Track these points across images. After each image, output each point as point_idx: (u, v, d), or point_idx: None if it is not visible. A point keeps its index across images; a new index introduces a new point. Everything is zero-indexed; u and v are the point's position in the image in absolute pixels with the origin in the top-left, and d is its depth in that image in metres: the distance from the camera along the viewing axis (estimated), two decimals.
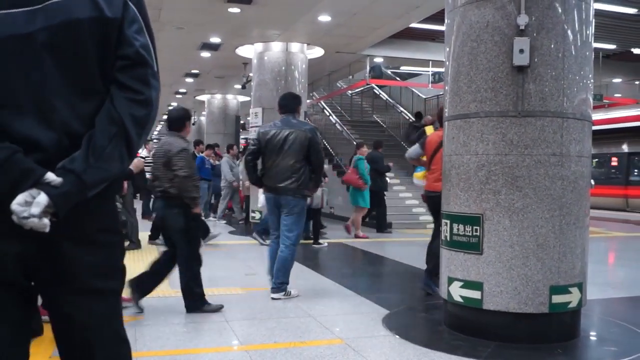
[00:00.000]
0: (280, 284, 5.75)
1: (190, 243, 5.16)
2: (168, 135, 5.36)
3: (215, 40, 12.13)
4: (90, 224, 1.65)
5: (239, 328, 4.74)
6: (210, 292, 5.91)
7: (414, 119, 13.66)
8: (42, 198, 1.45)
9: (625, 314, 5.68)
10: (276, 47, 11.87)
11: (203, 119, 23.11)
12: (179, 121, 5.33)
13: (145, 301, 5.47)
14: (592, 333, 4.88)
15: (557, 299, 4.31)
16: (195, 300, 5.21)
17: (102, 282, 1.68)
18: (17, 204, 1.44)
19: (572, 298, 4.38)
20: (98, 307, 1.68)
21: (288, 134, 5.74)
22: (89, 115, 1.59)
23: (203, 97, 20.33)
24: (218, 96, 19.97)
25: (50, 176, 1.48)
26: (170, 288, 6.16)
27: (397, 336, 4.56)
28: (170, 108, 5.77)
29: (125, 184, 8.56)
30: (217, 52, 13.14)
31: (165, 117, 17.77)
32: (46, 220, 1.46)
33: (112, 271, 1.73)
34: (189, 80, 17.15)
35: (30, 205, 1.44)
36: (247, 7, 9.58)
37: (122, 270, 1.79)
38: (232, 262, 8.15)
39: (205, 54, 13.47)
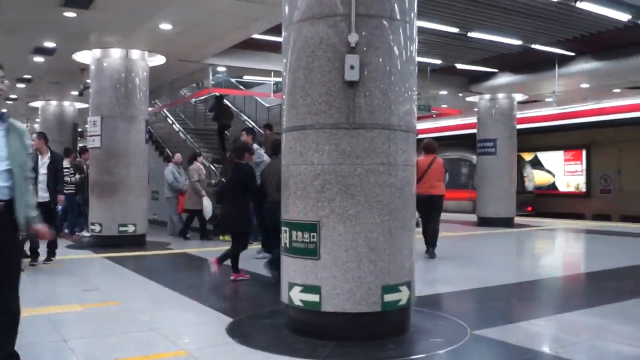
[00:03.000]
0: None
1: None
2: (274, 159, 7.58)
3: (49, 44, 11.57)
4: None
5: (77, 347, 4.59)
6: (46, 312, 5.67)
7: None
8: None
9: (450, 308, 6.18)
10: (116, 53, 11.54)
11: (37, 126, 21.87)
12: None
13: None
14: (421, 327, 5.23)
15: (389, 297, 4.64)
16: None
17: None
18: None
19: (402, 296, 4.73)
20: None
21: None
22: None
23: (37, 104, 19.25)
24: (53, 103, 18.98)
25: None
26: None
27: (241, 344, 4.65)
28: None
29: (62, 197, 8.90)
30: (51, 57, 12.52)
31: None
32: None
33: None
34: (21, 85, 16.14)
35: None
36: (85, 12, 9.26)
37: None
38: (70, 278, 7.83)
39: (39, 59, 12.79)
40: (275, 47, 12.58)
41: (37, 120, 20.78)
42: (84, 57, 12.17)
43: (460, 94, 18.01)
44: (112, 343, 4.68)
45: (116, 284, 7.23)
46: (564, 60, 14.23)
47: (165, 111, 18.72)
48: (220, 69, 15.20)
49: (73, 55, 12.27)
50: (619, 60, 13.48)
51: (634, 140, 23.13)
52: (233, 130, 16.63)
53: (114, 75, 11.47)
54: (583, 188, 25.23)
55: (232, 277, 7.51)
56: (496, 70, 15.84)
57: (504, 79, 15.90)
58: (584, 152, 25.08)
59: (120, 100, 11.41)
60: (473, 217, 17.73)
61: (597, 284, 7.59)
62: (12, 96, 18.21)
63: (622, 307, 6.08)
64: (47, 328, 5.15)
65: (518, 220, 17.26)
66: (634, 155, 23.31)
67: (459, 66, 15.22)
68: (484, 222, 16.50)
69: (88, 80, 12.50)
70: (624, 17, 10.55)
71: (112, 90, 11.42)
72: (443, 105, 20.20)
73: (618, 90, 18.19)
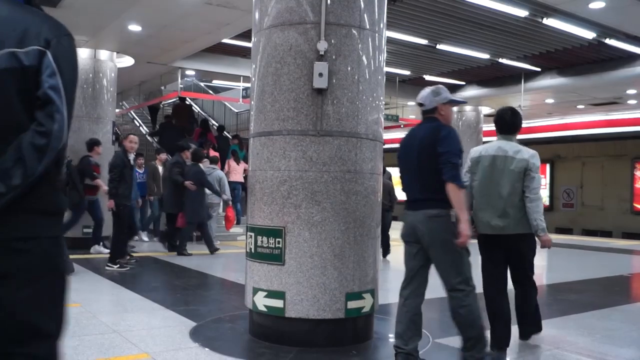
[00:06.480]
0: None
1: None
2: None
3: None
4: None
5: None
6: None
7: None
8: None
9: None
10: (83, 53, 11.42)
11: None
12: None
13: None
14: (384, 334, 5.27)
15: (352, 304, 4.66)
16: None
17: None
18: None
19: (365, 303, 4.76)
20: None
21: None
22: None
23: None
24: None
25: None
26: None
27: (204, 348, 4.64)
28: None
29: None
30: None
31: None
32: None
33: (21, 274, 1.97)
34: None
35: None
36: (52, 11, 9.15)
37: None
38: None
39: None
40: (244, 52, 12.60)
41: None
42: None
43: None
44: (73, 345, 4.62)
45: (78, 285, 7.13)
46: (530, 75, 14.50)
47: (133, 113, 18.57)
48: (189, 72, 15.16)
49: None
50: (584, 77, 13.77)
51: (596, 156, 23.64)
52: None
53: (81, 75, 11.34)
54: (546, 202, 25.65)
55: None
56: (464, 83, 16.06)
57: (471, 91, 16.12)
58: (547, 167, 25.53)
59: (87, 100, 11.31)
60: None
61: (558, 296, 7.72)
62: None
63: (581, 318, 6.20)
64: None
65: None
66: (595, 170, 23.83)
67: (428, 78, 15.39)
68: None
69: None
70: (589, 34, 10.81)
71: (79, 90, 11.29)
72: (411, 116, 20.37)
73: (582, 107, 18.58)
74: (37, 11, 2.12)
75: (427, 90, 4.25)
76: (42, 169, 1.97)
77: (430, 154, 3.98)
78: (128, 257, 8.96)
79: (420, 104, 4.26)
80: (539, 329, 5.06)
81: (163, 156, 12.88)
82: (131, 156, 8.62)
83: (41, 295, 2.02)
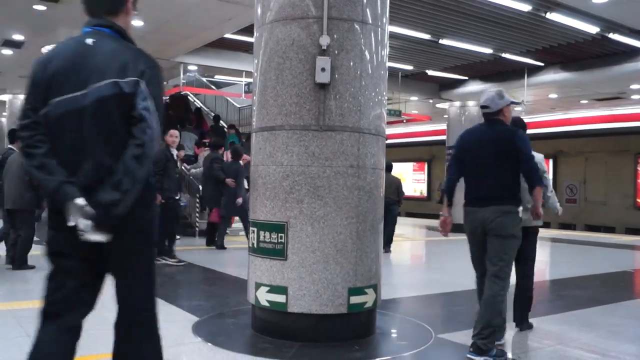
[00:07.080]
0: None
1: None
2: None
3: (18, 37, 11.41)
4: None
5: None
6: (10, 307, 5.60)
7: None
8: (86, 223, 2.44)
9: (416, 311, 6.23)
10: None
11: (4, 120, 21.51)
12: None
13: None
14: (386, 329, 5.29)
15: (355, 299, 4.65)
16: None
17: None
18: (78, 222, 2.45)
19: (368, 298, 4.75)
20: None
21: None
22: (118, 154, 2.46)
23: (4, 97, 18.94)
24: (21, 97, 18.67)
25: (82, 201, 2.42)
26: None
27: (207, 342, 4.63)
28: None
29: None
30: (20, 50, 12.36)
31: None
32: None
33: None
34: None
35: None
36: (54, 5, 9.15)
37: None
38: (35, 273, 7.71)
39: (7, 52, 12.61)
40: (246, 47, 12.58)
41: (4, 114, 20.45)
42: None
43: (431, 101, 18.16)
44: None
45: None
46: (533, 70, 14.45)
47: None
48: (192, 67, 15.14)
49: (42, 49, 12.10)
50: (587, 72, 13.71)
51: (599, 151, 23.59)
52: None
53: None
54: None
55: None
56: (466, 78, 16.02)
57: (474, 86, 16.06)
58: (550, 162, 25.43)
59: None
60: None
61: (561, 292, 7.72)
62: None
63: (584, 314, 6.19)
64: (11, 323, 5.07)
65: None
66: (598, 166, 23.77)
67: (430, 73, 15.36)
68: (454, 228, 16.54)
69: None
70: (592, 29, 10.77)
71: None
72: (413, 111, 20.35)
73: (585, 102, 18.52)
74: (132, 46, 2.61)
75: (491, 93, 4.47)
76: (145, 173, 2.48)
77: (508, 155, 4.31)
78: None
79: (485, 107, 4.45)
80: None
81: (181, 153, 12.89)
82: (173, 151, 8.73)
83: (145, 264, 2.87)
